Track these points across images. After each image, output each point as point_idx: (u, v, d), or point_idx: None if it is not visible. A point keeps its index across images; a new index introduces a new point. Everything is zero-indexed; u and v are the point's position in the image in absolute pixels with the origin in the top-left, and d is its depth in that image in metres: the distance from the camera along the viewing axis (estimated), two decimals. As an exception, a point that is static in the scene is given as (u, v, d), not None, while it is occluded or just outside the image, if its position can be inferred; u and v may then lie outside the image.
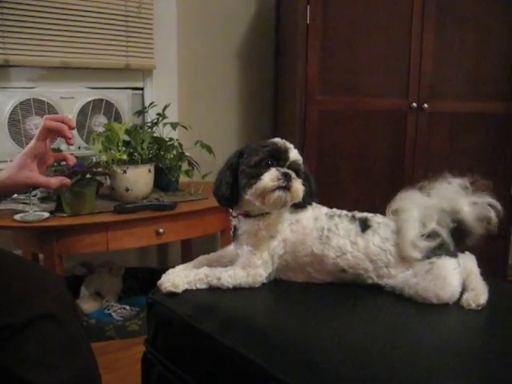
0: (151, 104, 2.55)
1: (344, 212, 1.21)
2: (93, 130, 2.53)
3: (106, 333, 2.24)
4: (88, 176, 2.09)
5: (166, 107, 2.46)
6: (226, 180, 1.18)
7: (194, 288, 1.16)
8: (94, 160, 2.20)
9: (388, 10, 2.57)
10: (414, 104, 2.61)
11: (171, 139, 2.45)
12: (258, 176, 1.11)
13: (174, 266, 1.25)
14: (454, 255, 1.13)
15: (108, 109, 2.64)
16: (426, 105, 2.61)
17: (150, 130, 2.41)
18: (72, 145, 1.24)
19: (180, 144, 2.48)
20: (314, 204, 1.23)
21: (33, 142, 1.17)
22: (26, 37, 2.34)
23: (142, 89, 2.83)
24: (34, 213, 1.99)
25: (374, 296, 1.13)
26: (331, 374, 0.87)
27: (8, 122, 2.36)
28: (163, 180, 2.43)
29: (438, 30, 2.59)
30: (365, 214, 1.20)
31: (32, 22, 2.34)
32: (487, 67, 2.67)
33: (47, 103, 2.45)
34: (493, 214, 1.15)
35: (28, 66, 2.43)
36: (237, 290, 1.16)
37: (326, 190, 2.62)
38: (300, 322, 1.04)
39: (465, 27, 2.62)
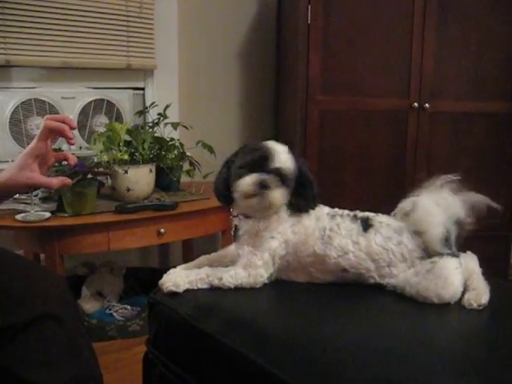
0: (152, 104, 2.55)
1: (346, 212, 1.21)
2: (94, 130, 2.54)
3: (108, 333, 2.24)
4: (89, 176, 2.09)
5: (167, 107, 2.46)
6: (222, 176, 1.21)
7: (195, 288, 1.16)
8: (96, 160, 2.20)
9: (389, 10, 2.57)
10: (416, 104, 2.61)
11: (172, 139, 2.45)
12: (240, 179, 1.14)
13: (175, 266, 1.25)
14: (455, 255, 1.13)
15: (109, 109, 2.64)
16: (427, 105, 2.61)
17: (151, 129, 2.41)
18: (73, 145, 1.24)
19: (181, 144, 2.48)
20: None
21: (34, 142, 1.17)
22: (27, 37, 2.34)
23: (143, 89, 2.83)
24: (36, 213, 1.99)
25: (375, 296, 1.13)
26: (333, 373, 0.87)
27: (9, 122, 2.36)
28: (164, 180, 2.43)
29: (440, 29, 2.59)
30: (366, 214, 1.20)
31: (33, 22, 2.34)
32: (489, 67, 2.67)
33: (48, 103, 2.45)
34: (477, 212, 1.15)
35: (29, 66, 2.43)
36: (238, 289, 1.16)
37: (327, 190, 2.60)
38: (301, 322, 1.04)
39: (466, 27, 2.62)
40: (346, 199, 2.65)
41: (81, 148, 2.53)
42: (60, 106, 2.49)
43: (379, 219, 1.18)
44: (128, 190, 2.20)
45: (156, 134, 2.41)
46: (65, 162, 2.06)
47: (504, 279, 2.72)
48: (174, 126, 2.48)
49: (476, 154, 2.72)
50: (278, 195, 1.14)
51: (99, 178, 2.20)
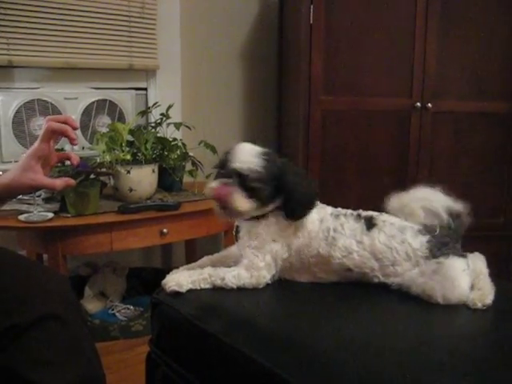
0: (155, 104, 2.55)
1: (349, 211, 1.20)
2: (96, 131, 2.54)
3: (110, 333, 2.25)
4: (92, 176, 2.09)
5: (169, 107, 2.46)
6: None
7: (198, 288, 1.16)
8: (98, 160, 2.20)
9: (391, 10, 2.57)
10: (418, 104, 2.61)
11: (175, 139, 2.45)
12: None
13: (178, 267, 1.25)
14: (463, 255, 1.13)
15: (112, 109, 2.64)
16: (429, 104, 2.61)
17: (153, 130, 2.41)
18: (76, 145, 1.24)
19: (184, 144, 2.48)
20: (319, 204, 1.22)
21: (36, 143, 1.17)
22: (29, 37, 2.34)
23: (145, 89, 2.83)
24: (38, 213, 2.00)
25: (378, 295, 1.13)
26: (335, 373, 0.87)
27: (12, 123, 2.37)
28: (167, 180, 2.43)
29: (442, 29, 2.58)
30: (370, 213, 1.20)
31: (35, 23, 2.35)
32: (491, 67, 2.66)
33: (51, 104, 2.46)
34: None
35: (32, 66, 2.43)
36: (240, 289, 1.16)
37: (330, 189, 2.62)
38: (304, 322, 1.04)
39: (468, 27, 2.62)
40: (349, 199, 2.64)
41: (83, 148, 2.54)
42: (63, 107, 2.49)
43: (382, 218, 1.17)
44: (131, 190, 2.20)
45: (158, 134, 2.41)
46: (68, 162, 2.07)
47: (507, 279, 2.71)
48: (177, 126, 2.48)
49: (478, 154, 2.71)
50: (238, 200, 1.11)
51: (102, 178, 2.20)
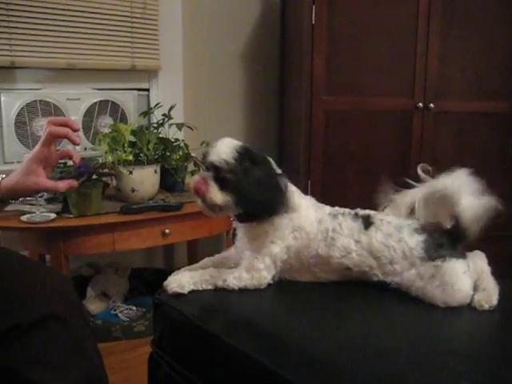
0: (157, 105, 2.55)
1: (347, 210, 1.20)
2: (99, 131, 2.54)
3: (113, 333, 2.25)
4: (94, 177, 2.09)
5: (171, 108, 2.46)
6: None
7: (200, 289, 1.16)
8: (100, 161, 2.21)
9: (393, 10, 2.57)
10: (420, 104, 2.61)
11: (177, 140, 2.45)
12: None
13: (180, 267, 1.25)
14: (462, 256, 1.11)
15: (114, 110, 2.65)
16: (431, 105, 2.61)
17: (155, 130, 2.42)
18: (79, 145, 1.24)
19: (186, 145, 2.48)
20: (317, 204, 1.22)
21: (38, 147, 1.17)
22: (32, 38, 2.35)
23: (147, 90, 2.83)
24: (41, 214, 2.00)
25: (380, 295, 1.13)
26: (336, 373, 0.87)
27: (14, 124, 2.37)
28: (169, 181, 2.43)
29: (444, 30, 2.58)
30: (367, 212, 1.19)
31: (38, 24, 2.35)
32: (493, 67, 2.66)
33: (53, 104, 2.46)
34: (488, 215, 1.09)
35: (34, 67, 2.44)
36: (242, 290, 1.16)
37: (332, 189, 2.62)
38: (306, 322, 1.04)
39: (470, 27, 2.61)
40: (350, 199, 2.64)
41: (86, 149, 2.54)
42: (65, 108, 2.50)
43: (380, 216, 1.17)
44: (133, 190, 2.20)
45: (161, 135, 2.42)
46: (70, 163, 2.07)
47: (510, 279, 2.71)
48: (179, 126, 2.48)
49: (480, 154, 2.71)
50: (212, 191, 1.11)
51: (104, 178, 2.20)
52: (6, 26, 2.28)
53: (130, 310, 2.39)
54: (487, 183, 1.11)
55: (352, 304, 1.13)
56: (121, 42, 2.60)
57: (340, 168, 2.66)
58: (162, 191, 2.39)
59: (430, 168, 1.20)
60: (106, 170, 2.19)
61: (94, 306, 2.37)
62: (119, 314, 2.36)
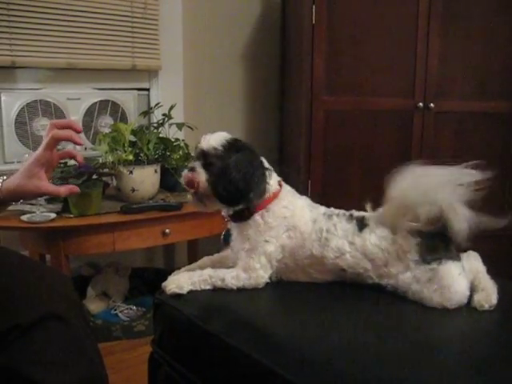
0: (157, 104, 2.55)
1: (342, 211, 1.20)
2: (99, 131, 2.54)
3: (113, 333, 2.25)
4: (94, 177, 2.10)
5: (171, 108, 2.46)
6: None
7: (199, 289, 1.16)
8: (100, 161, 2.21)
9: (394, 10, 2.57)
10: (421, 104, 2.60)
11: (177, 139, 2.45)
12: None
13: (180, 267, 1.26)
14: (456, 258, 1.11)
15: (114, 109, 2.65)
16: (432, 104, 2.61)
17: (155, 130, 2.42)
18: (81, 145, 1.24)
19: (186, 144, 2.48)
20: (312, 204, 1.22)
21: (40, 150, 1.17)
22: (32, 38, 2.35)
23: (147, 89, 2.83)
24: (41, 213, 2.00)
25: (377, 295, 1.13)
26: (336, 373, 0.87)
27: (15, 123, 2.37)
28: (169, 180, 2.43)
29: (444, 29, 2.58)
30: (362, 213, 1.19)
31: (38, 24, 2.35)
32: (493, 66, 2.66)
33: (54, 104, 2.46)
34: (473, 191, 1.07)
35: (35, 67, 2.43)
36: (242, 290, 1.16)
37: (332, 190, 2.62)
38: (305, 322, 1.04)
39: (470, 27, 2.61)
40: (351, 199, 2.64)
41: (86, 149, 2.54)
42: (65, 107, 2.50)
43: (374, 218, 1.17)
44: (133, 190, 2.20)
45: (161, 135, 2.42)
46: (70, 162, 2.07)
47: (509, 279, 2.71)
48: (179, 126, 2.48)
49: (481, 154, 2.71)
50: (198, 175, 1.15)
51: (104, 178, 2.20)
52: (7, 26, 2.28)
53: (130, 309, 2.39)
54: (488, 183, 1.10)
55: (351, 304, 1.13)
56: (121, 41, 2.60)
57: (340, 168, 2.66)
58: (162, 191, 2.39)
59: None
60: (106, 170, 2.19)
61: (95, 305, 2.37)
62: (119, 314, 2.36)
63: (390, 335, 0.99)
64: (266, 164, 1.21)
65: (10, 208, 2.01)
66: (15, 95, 2.40)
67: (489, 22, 2.62)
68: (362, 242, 1.13)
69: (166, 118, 2.46)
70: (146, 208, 2.14)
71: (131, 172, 2.17)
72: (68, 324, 0.99)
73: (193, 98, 2.90)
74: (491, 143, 2.72)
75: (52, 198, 2.15)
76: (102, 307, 2.39)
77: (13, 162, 2.34)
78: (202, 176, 1.15)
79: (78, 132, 1.20)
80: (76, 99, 2.54)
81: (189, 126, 2.51)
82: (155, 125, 2.47)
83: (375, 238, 1.12)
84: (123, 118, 2.67)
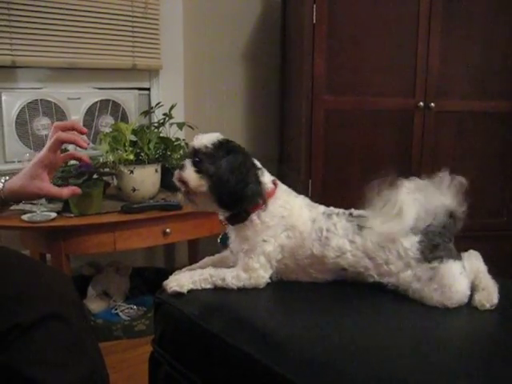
0: (158, 104, 2.55)
1: (341, 210, 1.20)
2: (100, 131, 2.55)
3: (114, 332, 2.25)
4: (95, 176, 2.10)
5: (172, 107, 2.46)
6: None
7: (199, 288, 1.16)
8: (101, 160, 2.21)
9: (394, 10, 2.56)
10: (421, 103, 2.60)
11: (178, 139, 2.45)
12: None
13: (181, 266, 1.26)
14: (457, 258, 1.11)
15: (115, 109, 2.65)
16: (432, 104, 2.60)
17: (156, 130, 2.41)
18: (85, 148, 1.24)
19: (187, 144, 2.48)
20: (311, 203, 1.22)
21: (44, 152, 1.17)
22: (33, 38, 2.35)
23: (148, 89, 2.83)
24: (42, 213, 2.00)
25: (377, 295, 1.13)
26: (337, 373, 0.87)
27: (15, 123, 2.37)
28: (170, 180, 2.38)
29: (445, 29, 2.58)
30: (361, 212, 1.19)
31: (39, 23, 2.35)
32: (494, 66, 2.66)
33: (54, 104, 2.46)
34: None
35: (35, 66, 2.44)
36: (242, 289, 1.16)
37: (333, 189, 2.62)
38: (305, 322, 1.04)
39: (471, 26, 2.61)
40: (351, 198, 2.64)
41: (87, 148, 2.54)
42: (66, 107, 2.50)
43: (374, 216, 1.16)
44: (134, 190, 2.20)
45: (161, 134, 2.41)
46: (72, 162, 2.07)
47: (510, 279, 2.71)
48: (180, 125, 2.48)
49: (481, 153, 2.71)
50: (188, 173, 1.15)
51: (105, 178, 2.20)
52: (7, 26, 2.28)
53: (131, 309, 2.40)
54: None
55: (351, 304, 1.13)
56: (122, 41, 2.60)
57: (341, 167, 2.66)
58: (162, 190, 2.39)
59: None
60: (106, 170, 2.19)
61: (95, 305, 2.37)
62: (120, 313, 2.36)
63: (390, 335, 0.99)
64: (258, 164, 1.20)
65: (11, 208, 2.01)
66: (16, 95, 2.40)
67: (489, 22, 2.62)
68: (363, 241, 1.13)
69: (167, 118, 2.46)
70: (147, 207, 2.15)
71: (132, 171, 2.17)
72: (69, 323, 0.99)
73: (193, 97, 2.90)
74: (492, 143, 2.71)
75: (53, 198, 2.15)
76: (103, 307, 2.39)
77: (13, 162, 2.34)
78: (190, 173, 1.15)
79: (82, 133, 1.21)
80: (77, 99, 2.54)
81: (189, 126, 2.51)
82: (156, 124, 2.47)
83: (376, 237, 1.12)
84: (124, 118, 2.67)
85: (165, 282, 1.19)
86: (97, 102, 2.59)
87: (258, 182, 1.16)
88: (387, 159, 2.66)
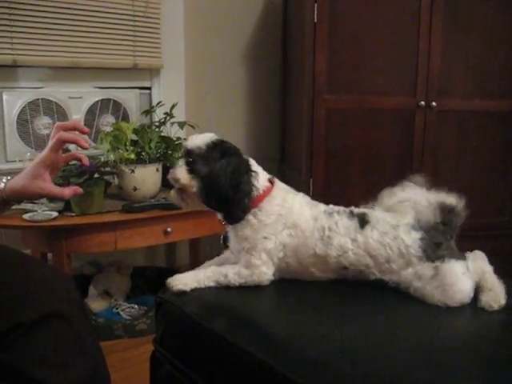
0: (159, 103, 2.55)
1: (342, 208, 1.19)
2: (101, 130, 2.54)
3: (115, 332, 2.25)
4: (96, 175, 2.10)
5: (173, 106, 2.46)
6: None
7: (203, 286, 1.16)
8: (102, 159, 2.21)
9: (396, 8, 2.56)
10: (422, 102, 2.60)
11: (179, 138, 2.45)
12: None
13: (182, 266, 1.26)
14: (461, 257, 1.11)
15: (116, 108, 2.65)
16: (434, 103, 2.60)
17: (157, 129, 2.41)
18: (87, 149, 1.25)
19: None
20: (311, 202, 1.22)
21: (46, 152, 1.17)
22: (34, 37, 2.35)
23: (149, 88, 2.83)
24: (43, 212, 2.00)
25: (379, 295, 1.12)
26: (338, 372, 0.87)
27: (16, 122, 2.38)
28: (170, 179, 2.42)
29: (446, 28, 2.58)
30: (362, 210, 1.19)
31: (40, 23, 2.35)
32: (495, 65, 2.66)
33: (55, 103, 2.46)
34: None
35: (36, 66, 2.44)
36: (244, 288, 1.16)
37: (334, 188, 2.62)
38: (307, 321, 1.04)
39: (473, 25, 2.61)
40: (353, 197, 2.63)
41: (88, 149, 2.54)
42: (67, 106, 2.50)
43: (376, 214, 1.16)
44: (135, 189, 2.20)
45: (162, 134, 2.41)
46: (73, 161, 2.07)
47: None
48: (181, 125, 2.48)
49: (483, 153, 2.71)
50: (179, 171, 1.16)
51: (106, 177, 2.20)
52: (8, 25, 2.28)
53: (132, 308, 2.40)
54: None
55: (352, 303, 1.12)
56: (123, 40, 2.60)
57: (342, 166, 2.66)
58: (163, 190, 2.39)
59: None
60: (107, 169, 2.19)
61: (96, 304, 2.37)
62: (121, 313, 2.36)
63: (391, 335, 0.98)
64: (254, 164, 1.20)
65: (13, 207, 2.01)
66: (17, 94, 2.40)
67: (491, 21, 2.62)
68: (364, 239, 1.12)
69: (168, 117, 2.46)
70: (148, 207, 2.15)
71: (133, 171, 2.17)
72: (70, 323, 0.99)
73: (194, 96, 2.90)
74: (493, 142, 2.71)
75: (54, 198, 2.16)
76: (104, 306, 2.39)
77: (15, 161, 2.34)
78: (182, 172, 1.16)
79: (84, 133, 1.21)
80: (78, 98, 2.54)
81: (190, 125, 2.51)
82: (157, 123, 2.47)
83: (377, 234, 1.12)
84: (125, 117, 2.67)
85: (168, 281, 1.19)
86: (98, 102, 2.59)
87: (250, 187, 1.16)
88: (388, 158, 2.66)
